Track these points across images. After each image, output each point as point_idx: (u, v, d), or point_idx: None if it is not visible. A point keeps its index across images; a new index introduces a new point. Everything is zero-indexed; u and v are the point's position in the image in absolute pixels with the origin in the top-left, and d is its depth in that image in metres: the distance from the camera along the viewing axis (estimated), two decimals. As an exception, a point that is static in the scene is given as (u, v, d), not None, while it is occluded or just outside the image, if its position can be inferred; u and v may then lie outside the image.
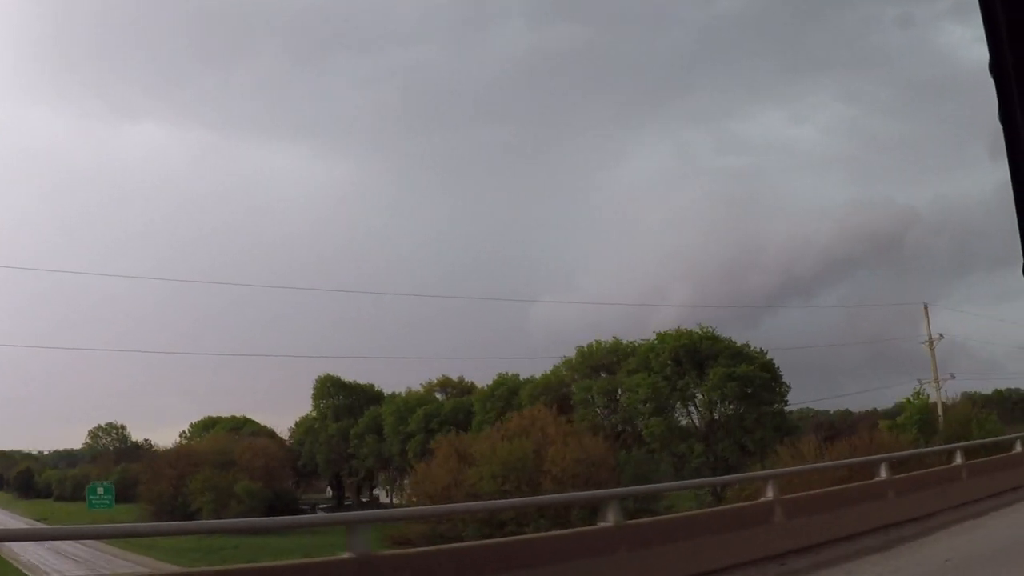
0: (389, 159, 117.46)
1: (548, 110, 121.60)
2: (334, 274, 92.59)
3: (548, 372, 49.04)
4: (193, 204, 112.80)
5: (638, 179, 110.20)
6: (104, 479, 70.42)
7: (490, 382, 52.66)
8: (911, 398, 35.31)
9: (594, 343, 47.99)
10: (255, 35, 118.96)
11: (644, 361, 44.12)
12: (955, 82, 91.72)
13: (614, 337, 47.57)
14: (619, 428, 44.30)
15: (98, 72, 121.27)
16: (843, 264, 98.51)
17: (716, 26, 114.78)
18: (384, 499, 60.84)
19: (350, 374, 62.64)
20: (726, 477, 33.91)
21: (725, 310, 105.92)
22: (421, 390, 61.15)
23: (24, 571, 41.62)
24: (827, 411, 79.47)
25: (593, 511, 14.38)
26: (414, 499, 40.48)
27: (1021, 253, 1.72)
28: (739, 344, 44.15)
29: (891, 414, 54.62)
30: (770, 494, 14.83)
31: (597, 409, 45.16)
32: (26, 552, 43.77)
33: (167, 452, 62.91)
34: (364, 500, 61.98)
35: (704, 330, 44.00)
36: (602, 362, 47.92)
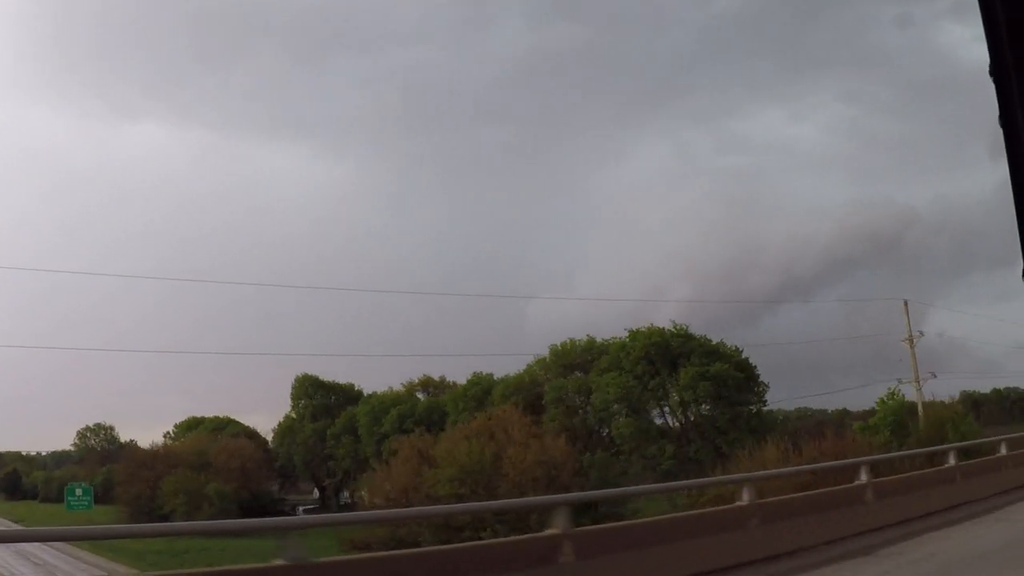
0: (389, 159, 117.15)
1: (548, 110, 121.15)
2: (334, 274, 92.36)
3: (521, 371, 47.82)
4: (193, 204, 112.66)
5: (638, 179, 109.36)
6: (90, 480, 70.09)
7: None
8: (885, 398, 33.80)
9: (568, 341, 46.75)
10: (255, 35, 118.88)
11: (616, 360, 42.82)
12: (955, 82, 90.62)
13: (587, 335, 46.35)
14: (591, 429, 42.99)
15: (98, 72, 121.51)
16: (843, 264, 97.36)
17: (715, 26, 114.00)
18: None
19: (351, 373, 62.05)
20: (690, 481, 32.63)
21: (725, 310, 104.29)
22: (402, 389, 60.18)
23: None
24: (824, 409, 78.13)
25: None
26: (376, 501, 39.41)
27: (1021, 255, 1.72)
28: (714, 342, 42.74)
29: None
30: (745, 498, 14.14)
31: (568, 409, 43.82)
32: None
33: (142, 453, 62.24)
34: (343, 503, 60.96)
35: (677, 328, 42.67)
36: (576, 361, 46.65)
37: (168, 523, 42.66)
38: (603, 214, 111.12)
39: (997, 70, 1.73)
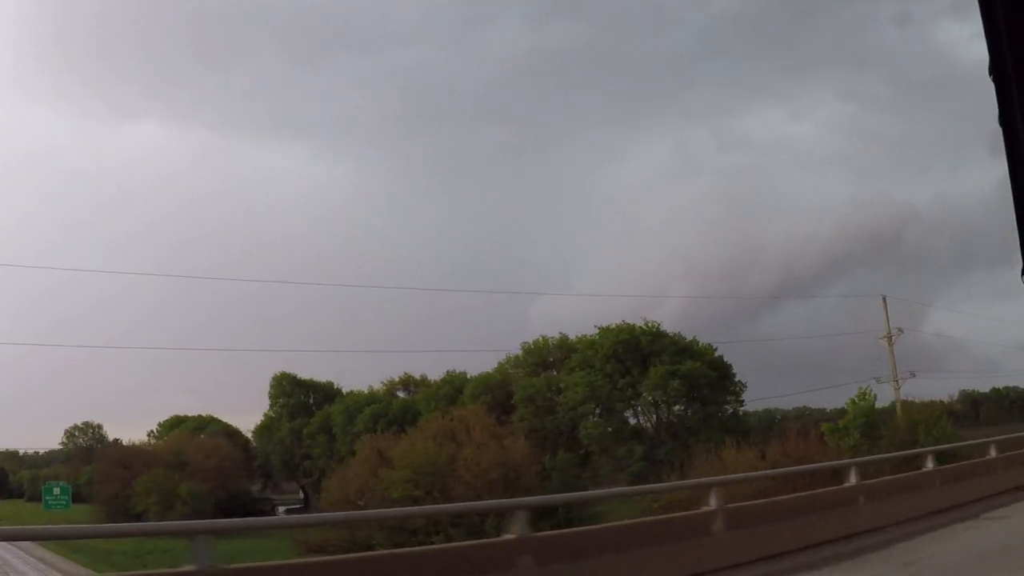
0: (389, 159, 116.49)
1: (548, 109, 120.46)
2: (335, 274, 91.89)
3: (492, 370, 46.57)
4: (193, 204, 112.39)
5: (638, 178, 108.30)
6: (74, 479, 69.71)
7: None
8: (856, 399, 32.26)
9: (540, 339, 45.48)
10: (255, 35, 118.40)
11: (586, 358, 41.50)
12: (955, 80, 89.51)
13: (560, 333, 45.06)
14: (561, 430, 41.69)
15: (98, 72, 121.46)
16: (843, 262, 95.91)
17: (715, 24, 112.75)
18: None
19: (351, 373, 61.21)
20: (649, 486, 31.45)
21: (725, 309, 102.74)
22: (383, 388, 59.22)
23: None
24: (823, 408, 76.64)
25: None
26: (332, 503, 38.36)
27: (1021, 256, 1.72)
28: (687, 340, 41.31)
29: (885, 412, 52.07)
30: (713, 503, 13.60)
31: (539, 409, 42.55)
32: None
33: (118, 452, 61.72)
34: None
35: (649, 325, 41.26)
36: (549, 359, 45.39)
37: (111, 524, 42.00)
38: (603, 213, 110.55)
39: (996, 70, 1.74)
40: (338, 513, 29.80)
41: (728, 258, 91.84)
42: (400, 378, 59.81)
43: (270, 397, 61.17)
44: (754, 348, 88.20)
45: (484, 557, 10.89)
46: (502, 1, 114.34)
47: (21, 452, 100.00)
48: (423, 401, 49.31)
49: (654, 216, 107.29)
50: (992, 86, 1.74)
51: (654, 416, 41.05)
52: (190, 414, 71.35)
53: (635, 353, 40.46)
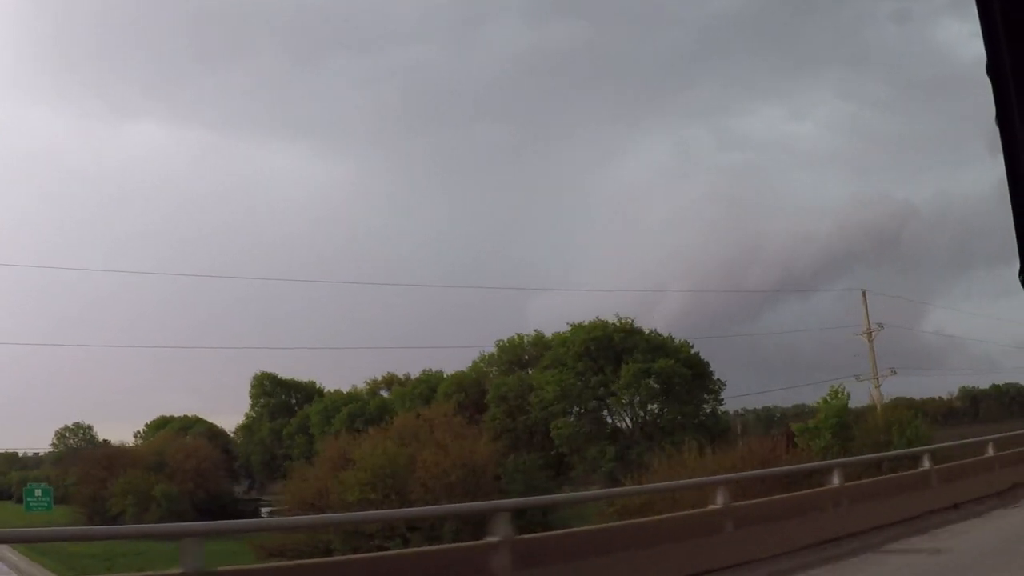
0: (389, 158, 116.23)
1: (548, 109, 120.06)
2: (335, 274, 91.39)
3: (467, 368, 45.46)
4: (193, 204, 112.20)
5: (638, 177, 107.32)
6: (63, 480, 69.26)
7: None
8: (828, 397, 30.80)
9: (516, 336, 44.31)
10: (255, 35, 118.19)
11: (558, 356, 40.28)
12: (954, 78, 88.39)
13: (535, 330, 43.88)
14: (533, 430, 40.51)
15: (98, 72, 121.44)
16: (843, 261, 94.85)
17: (714, 24, 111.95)
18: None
19: (350, 371, 60.44)
20: (608, 490, 30.22)
21: (724, 309, 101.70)
22: (366, 387, 58.29)
23: None
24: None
25: (478, 525, 13.65)
26: (291, 506, 37.40)
27: (1018, 253, 1.73)
28: (662, 336, 40.02)
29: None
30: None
31: (511, 408, 41.40)
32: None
33: (97, 453, 61.22)
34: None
35: (622, 321, 39.97)
36: (523, 357, 44.23)
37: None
38: (603, 213, 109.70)
39: (993, 68, 1.73)
40: (312, 516, 29.26)
41: (728, 257, 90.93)
42: (384, 377, 58.85)
43: (251, 397, 60.47)
44: (754, 348, 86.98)
45: (466, 560, 10.75)
46: (502, 1, 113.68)
47: (20, 454, 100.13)
48: (398, 400, 48.31)
49: (654, 216, 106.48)
50: (990, 84, 1.75)
51: (628, 416, 39.76)
52: (177, 415, 70.80)
53: (608, 351, 39.19)
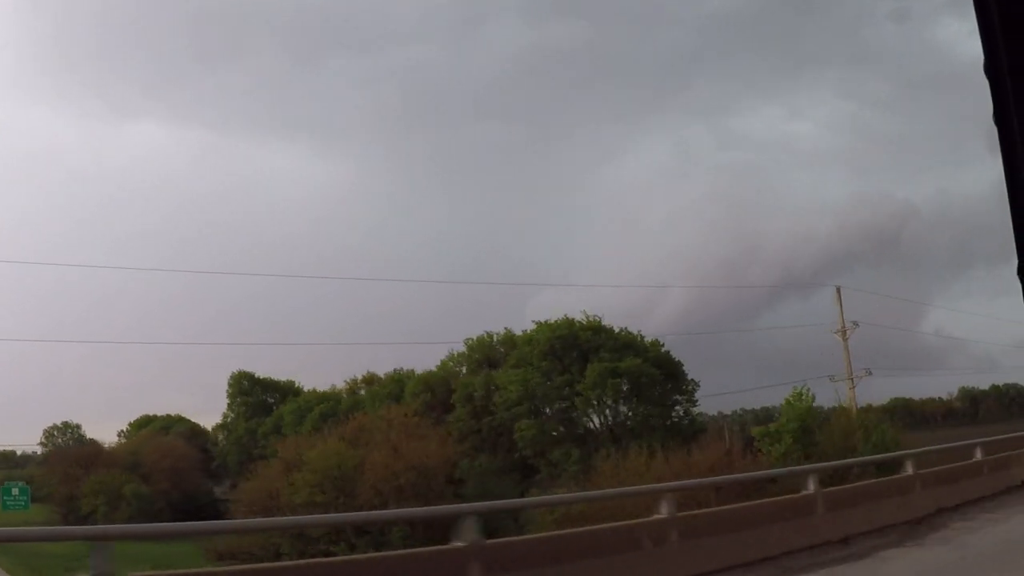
0: (389, 158, 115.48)
1: (547, 108, 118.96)
2: (334, 273, 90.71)
3: (436, 367, 44.22)
4: (193, 204, 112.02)
5: (637, 176, 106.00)
6: (50, 479, 68.93)
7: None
8: (791, 399, 29.25)
9: (485, 334, 43.07)
10: (255, 35, 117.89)
11: (522, 355, 38.96)
12: (953, 76, 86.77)
13: (506, 328, 42.60)
14: (497, 431, 39.23)
15: (98, 72, 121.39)
16: (843, 260, 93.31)
17: (713, 23, 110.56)
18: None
19: (350, 370, 59.77)
20: (580, 494, 28.89)
21: (724, 308, 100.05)
22: (345, 386, 57.28)
23: None
24: (821, 406, 74.14)
25: (429, 528, 13.57)
26: (242, 509, 36.40)
27: (1016, 252, 1.74)
28: (631, 334, 38.60)
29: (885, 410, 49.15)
30: (664, 511, 13.06)
31: (476, 408, 40.14)
32: None
33: (74, 452, 60.75)
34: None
35: (589, 319, 38.61)
36: (494, 356, 42.95)
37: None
38: (603, 212, 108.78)
39: (991, 67, 1.72)
40: (265, 519, 28.24)
41: (728, 257, 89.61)
42: (364, 377, 57.77)
43: (228, 396, 59.63)
44: (754, 347, 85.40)
45: (433, 565, 10.49)
46: (502, 0, 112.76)
47: (19, 452, 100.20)
48: (369, 400, 47.19)
49: (654, 215, 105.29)
50: (987, 83, 1.75)
51: (595, 417, 38.36)
52: (162, 414, 70.21)
53: (573, 349, 37.82)
